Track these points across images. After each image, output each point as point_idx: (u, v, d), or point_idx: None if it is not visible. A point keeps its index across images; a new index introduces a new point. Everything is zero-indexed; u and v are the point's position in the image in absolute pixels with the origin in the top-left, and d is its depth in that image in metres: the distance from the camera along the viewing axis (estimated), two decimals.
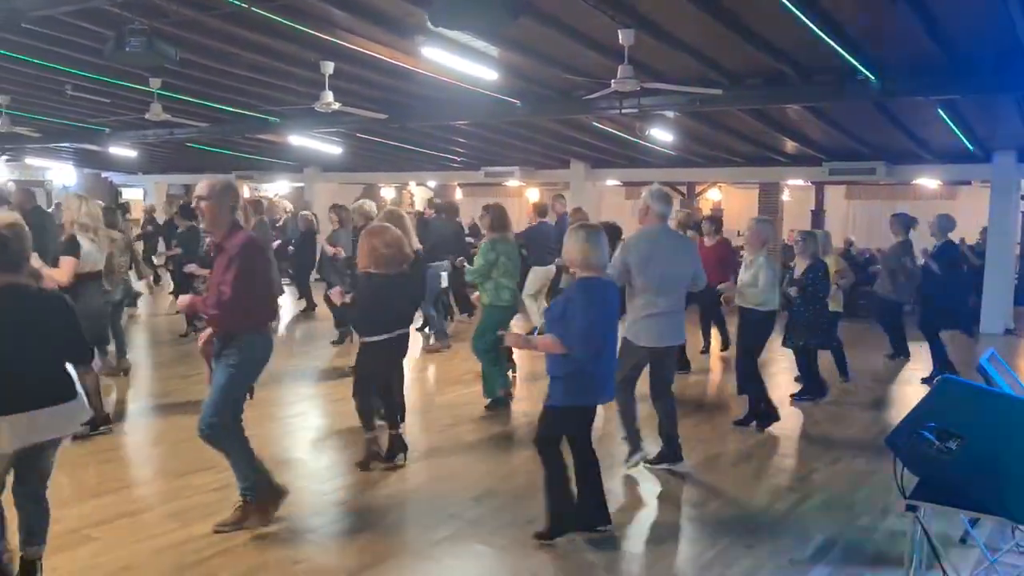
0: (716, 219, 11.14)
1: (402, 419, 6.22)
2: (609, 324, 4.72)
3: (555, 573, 4.41)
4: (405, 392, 6.44)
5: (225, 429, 4.70)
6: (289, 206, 18.43)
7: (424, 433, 6.88)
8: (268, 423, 6.96)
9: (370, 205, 9.58)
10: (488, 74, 9.16)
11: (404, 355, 6.20)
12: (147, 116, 11.37)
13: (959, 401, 3.43)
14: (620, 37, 7.52)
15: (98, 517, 4.91)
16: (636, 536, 4.99)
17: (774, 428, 7.21)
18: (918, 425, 3.40)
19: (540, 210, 11.75)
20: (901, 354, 10.40)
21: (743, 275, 7.35)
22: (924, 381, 9.24)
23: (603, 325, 4.63)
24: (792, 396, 8.26)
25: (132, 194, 25.17)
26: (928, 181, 16.14)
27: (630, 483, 5.87)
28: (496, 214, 7.81)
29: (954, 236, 17.07)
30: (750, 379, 7.27)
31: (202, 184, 4.76)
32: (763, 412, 7.23)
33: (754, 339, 7.28)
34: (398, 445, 5.99)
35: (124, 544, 4.56)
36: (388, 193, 24.79)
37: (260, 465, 4.87)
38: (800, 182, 17.79)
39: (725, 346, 10.74)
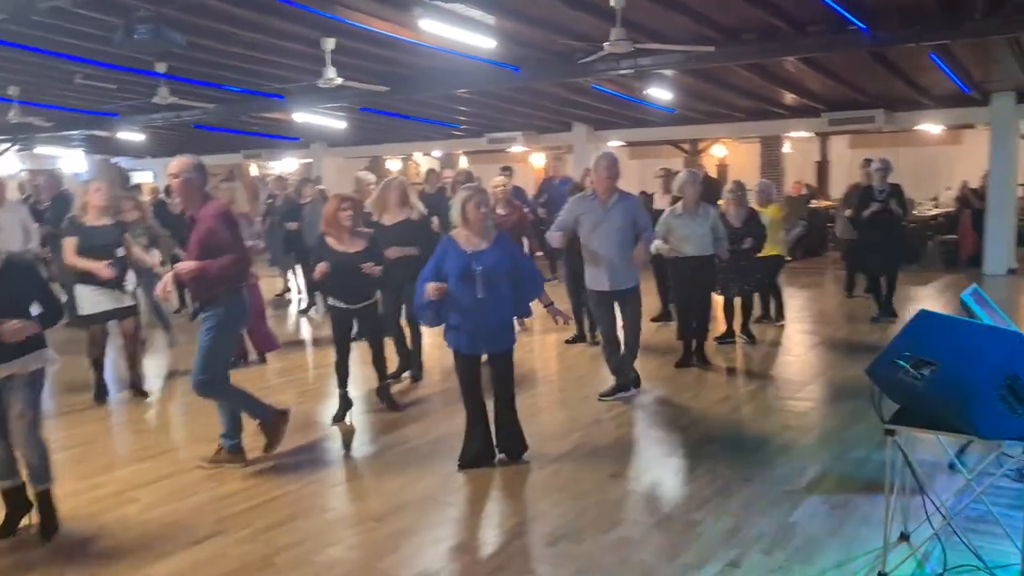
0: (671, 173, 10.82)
1: (383, 378, 6.69)
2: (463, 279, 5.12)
3: (578, 512, 4.72)
4: None
5: (215, 383, 5.26)
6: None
7: None
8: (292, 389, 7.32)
9: (365, 175, 9.58)
10: (486, 42, 9.32)
11: (365, 327, 6.56)
12: (155, 100, 11.61)
13: (933, 331, 3.69)
14: None
15: (140, 480, 5.28)
16: (641, 476, 5.31)
17: (774, 371, 7.61)
18: (895, 355, 3.66)
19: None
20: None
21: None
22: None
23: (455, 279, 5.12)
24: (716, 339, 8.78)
25: (142, 177, 25.46)
26: (929, 127, 16.21)
27: (633, 428, 6.20)
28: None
29: (957, 180, 17.28)
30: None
31: (174, 163, 5.15)
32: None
33: None
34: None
35: (166, 503, 4.91)
36: (394, 165, 24.98)
37: (258, 400, 5.50)
38: (803, 134, 17.89)
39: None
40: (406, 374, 7.63)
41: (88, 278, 6.82)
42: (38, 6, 7.70)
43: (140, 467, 5.54)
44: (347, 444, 5.99)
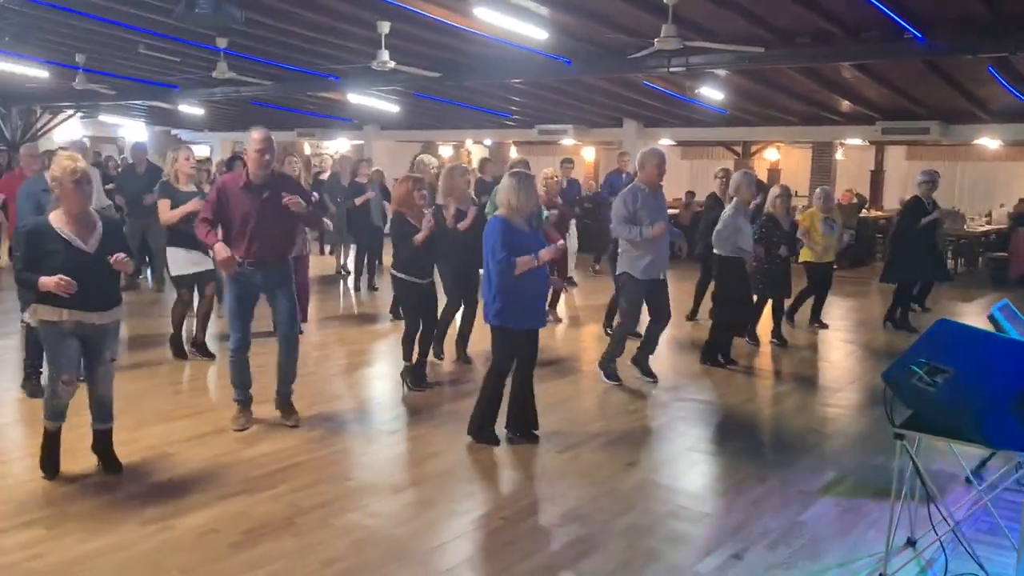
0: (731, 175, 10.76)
1: (424, 354, 6.88)
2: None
3: (592, 497, 4.82)
4: None
5: None
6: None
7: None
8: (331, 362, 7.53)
9: (428, 158, 9.88)
10: (539, 33, 9.41)
11: (424, 304, 6.80)
12: (214, 74, 11.91)
13: (951, 340, 3.71)
14: None
15: (175, 437, 5.50)
16: (658, 467, 5.36)
17: (808, 375, 7.60)
18: (911, 360, 3.69)
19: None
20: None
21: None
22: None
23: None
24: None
25: (200, 151, 25.96)
26: (987, 141, 15.91)
27: (657, 420, 6.27)
28: None
29: (1015, 196, 16.90)
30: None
31: (262, 135, 5.47)
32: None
33: None
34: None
35: (197, 460, 5.12)
36: (446, 151, 25.18)
37: None
38: (856, 141, 17.67)
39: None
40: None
41: (178, 240, 7.20)
42: None
43: (177, 425, 5.76)
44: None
